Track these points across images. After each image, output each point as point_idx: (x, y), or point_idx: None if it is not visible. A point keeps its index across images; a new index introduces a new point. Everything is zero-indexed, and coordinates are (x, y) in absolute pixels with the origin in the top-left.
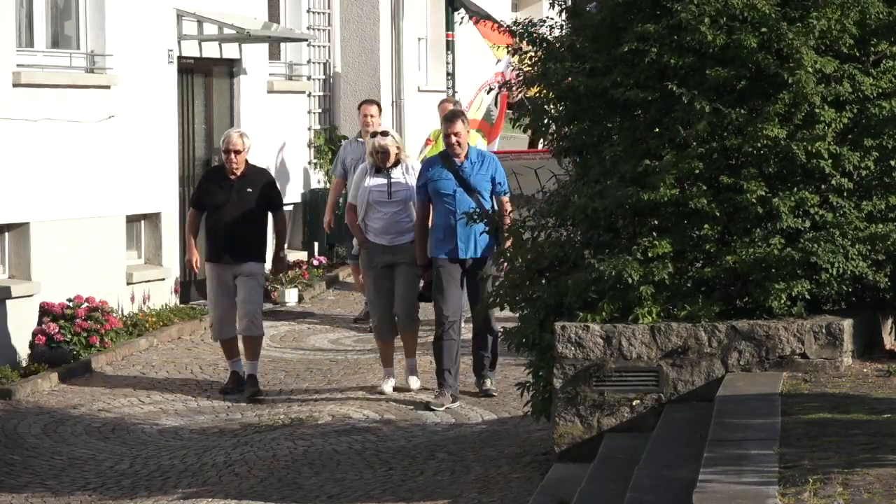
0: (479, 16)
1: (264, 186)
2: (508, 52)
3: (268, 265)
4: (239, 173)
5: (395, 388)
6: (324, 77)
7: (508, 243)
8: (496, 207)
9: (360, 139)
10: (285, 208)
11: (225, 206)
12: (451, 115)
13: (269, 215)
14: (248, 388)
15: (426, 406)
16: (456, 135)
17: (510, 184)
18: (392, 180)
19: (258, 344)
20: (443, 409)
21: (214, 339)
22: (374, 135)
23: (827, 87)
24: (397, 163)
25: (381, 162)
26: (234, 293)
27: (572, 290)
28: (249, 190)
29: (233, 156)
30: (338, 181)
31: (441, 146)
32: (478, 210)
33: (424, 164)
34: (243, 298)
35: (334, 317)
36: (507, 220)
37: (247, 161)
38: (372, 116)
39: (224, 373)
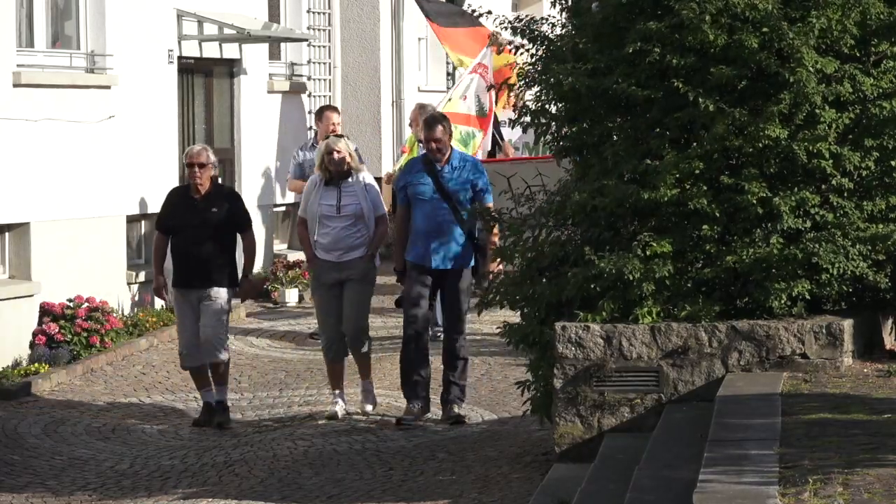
0: (435, 17)
1: (231, 206)
2: (490, 44)
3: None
4: (203, 192)
5: (348, 413)
6: (324, 77)
7: (496, 266)
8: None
9: (317, 145)
10: (276, 209)
11: (190, 228)
12: (430, 121)
13: (238, 236)
14: (217, 416)
15: (397, 422)
16: (437, 141)
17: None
18: (342, 193)
19: (225, 369)
20: (414, 421)
21: (182, 367)
22: (325, 138)
23: (828, 87)
24: (348, 174)
25: (336, 169)
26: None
27: (572, 284)
28: (215, 210)
29: (197, 169)
30: (297, 182)
31: (416, 153)
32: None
33: (406, 165)
34: (206, 324)
35: None
36: (493, 237)
37: (212, 178)
38: (337, 125)
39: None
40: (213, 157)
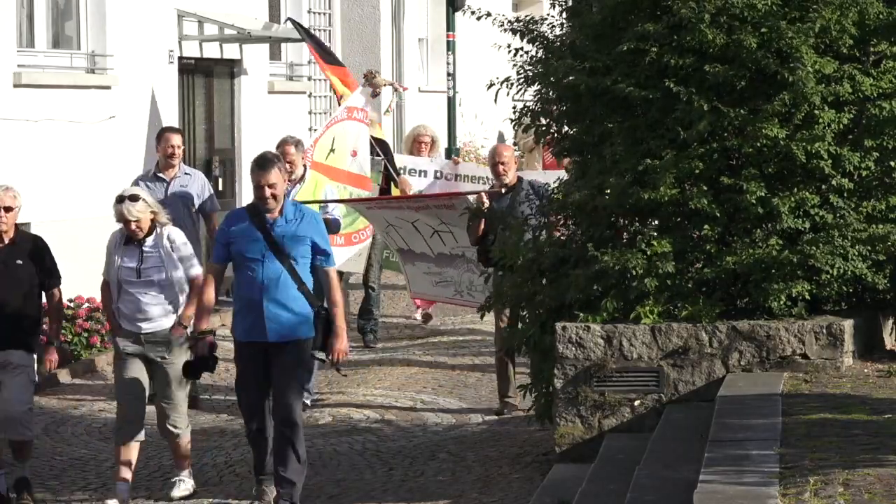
0: (310, 41)
1: (37, 257)
2: (365, 84)
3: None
4: (8, 240)
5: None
6: (324, 78)
7: (340, 347)
8: (323, 280)
9: (161, 175)
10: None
11: None
12: (262, 162)
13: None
14: (19, 498)
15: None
16: (271, 186)
17: (393, 238)
18: (144, 254)
19: (29, 447)
20: None
21: None
22: (120, 199)
23: (827, 87)
24: (151, 231)
25: (132, 237)
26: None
27: (574, 284)
28: (20, 262)
29: (2, 213)
30: None
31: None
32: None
33: (228, 216)
34: (7, 398)
35: None
36: (336, 298)
37: (16, 226)
38: (177, 147)
39: (225, 373)
40: (19, 201)
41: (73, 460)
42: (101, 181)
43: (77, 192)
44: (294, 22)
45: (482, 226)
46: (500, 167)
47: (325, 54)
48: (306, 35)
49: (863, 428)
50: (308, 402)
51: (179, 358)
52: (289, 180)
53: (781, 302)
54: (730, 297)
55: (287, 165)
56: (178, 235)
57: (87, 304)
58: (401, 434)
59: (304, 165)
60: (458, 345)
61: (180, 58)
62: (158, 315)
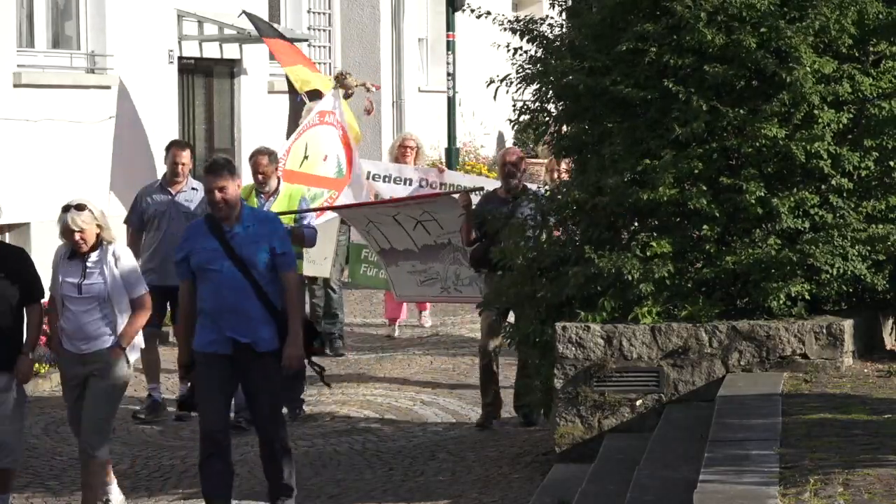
0: (270, 34)
1: (18, 270)
2: (335, 86)
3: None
4: None
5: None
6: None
7: (292, 353)
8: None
9: (168, 188)
10: None
11: None
12: (212, 166)
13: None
14: None
15: None
16: (221, 190)
17: (374, 237)
18: (87, 269)
19: (11, 478)
20: None
21: None
22: (65, 209)
23: (826, 87)
24: (96, 246)
25: (77, 249)
26: None
27: (573, 282)
28: (2, 275)
29: None
30: (132, 234)
31: (254, 204)
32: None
33: (186, 229)
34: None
35: None
36: (293, 303)
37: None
38: (184, 165)
39: None
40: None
41: (73, 460)
42: (100, 181)
43: (77, 192)
44: (249, 15)
45: (472, 231)
46: (508, 168)
47: (287, 51)
48: (268, 29)
49: (863, 428)
50: (299, 411)
51: (113, 378)
52: (262, 192)
53: (781, 302)
54: (729, 297)
55: (259, 177)
56: (123, 252)
57: None
58: (401, 434)
59: (278, 178)
60: (458, 345)
61: (180, 58)
62: (99, 334)
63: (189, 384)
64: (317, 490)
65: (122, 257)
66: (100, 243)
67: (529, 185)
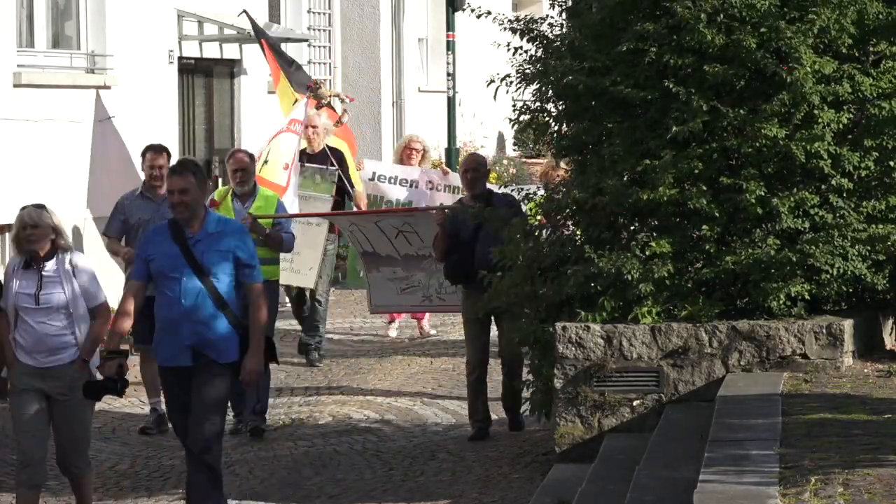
0: (267, 40)
1: None
2: (308, 94)
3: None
4: None
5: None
6: (324, 77)
7: (251, 367)
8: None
9: (148, 194)
10: None
11: None
12: (175, 166)
13: None
14: None
15: None
16: (181, 192)
17: (356, 237)
18: (43, 280)
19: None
20: None
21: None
22: (23, 208)
23: (826, 87)
24: (53, 254)
25: (30, 250)
26: None
27: (573, 281)
28: None
29: None
30: (112, 242)
31: (230, 207)
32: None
33: (148, 232)
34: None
35: (334, 317)
36: (257, 315)
37: None
38: (161, 168)
39: None
40: None
41: None
42: (101, 181)
43: (77, 192)
44: (249, 16)
45: (445, 249)
46: (470, 174)
47: (281, 59)
48: (261, 33)
49: (863, 428)
50: (263, 426)
51: (80, 395)
52: (239, 195)
53: (781, 302)
54: (729, 297)
55: (239, 174)
56: (81, 261)
57: None
58: (401, 434)
59: (254, 182)
60: (458, 345)
61: (180, 58)
62: (61, 346)
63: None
64: (317, 490)
65: (80, 265)
66: (55, 251)
67: (493, 188)
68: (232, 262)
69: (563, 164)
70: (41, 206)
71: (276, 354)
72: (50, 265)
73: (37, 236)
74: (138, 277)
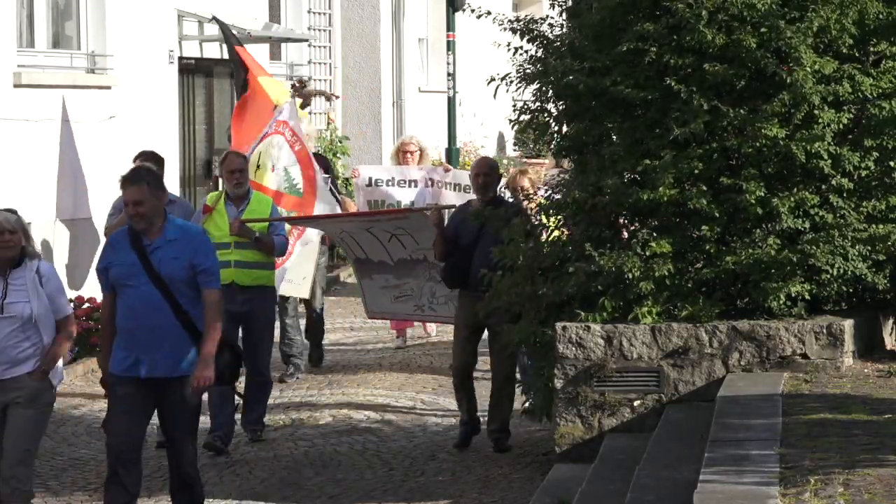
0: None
1: None
2: (292, 95)
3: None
4: None
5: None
6: (324, 77)
7: (200, 374)
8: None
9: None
10: None
11: None
12: (129, 176)
13: None
14: None
15: None
16: (137, 204)
17: (348, 245)
18: (9, 287)
19: None
20: None
21: None
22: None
23: (826, 87)
24: (21, 261)
25: (10, 257)
26: None
27: (573, 280)
28: None
29: None
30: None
31: (223, 211)
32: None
33: (109, 240)
34: None
35: (334, 317)
36: (211, 323)
37: None
38: (237, 172)
39: None
40: None
41: (73, 460)
42: (100, 181)
43: (77, 192)
44: (219, 21)
45: (444, 247)
46: (482, 179)
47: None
48: (231, 37)
49: (863, 428)
50: (259, 433)
51: (36, 405)
52: (233, 199)
53: (781, 302)
54: (730, 297)
55: (236, 175)
56: (48, 270)
57: (87, 305)
58: (401, 434)
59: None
60: None
61: (180, 58)
62: (22, 358)
63: None
64: (317, 490)
65: (47, 274)
66: (23, 258)
67: (503, 196)
68: (189, 270)
69: (529, 172)
70: (13, 211)
71: (240, 364)
72: (16, 273)
73: (14, 242)
74: (106, 289)
